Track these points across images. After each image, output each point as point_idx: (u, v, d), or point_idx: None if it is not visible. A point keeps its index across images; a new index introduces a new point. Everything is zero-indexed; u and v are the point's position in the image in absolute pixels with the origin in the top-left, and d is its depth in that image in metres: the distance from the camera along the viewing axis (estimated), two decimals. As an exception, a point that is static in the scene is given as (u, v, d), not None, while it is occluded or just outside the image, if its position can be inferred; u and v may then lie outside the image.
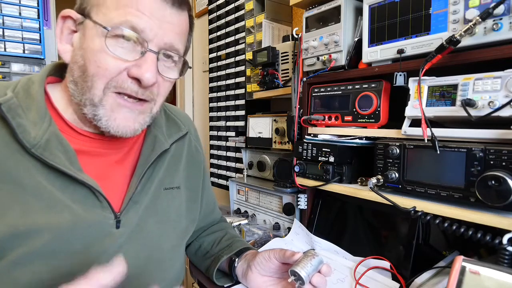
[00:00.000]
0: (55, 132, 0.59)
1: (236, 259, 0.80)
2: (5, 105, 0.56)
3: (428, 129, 0.70)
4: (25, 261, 0.55)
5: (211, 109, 1.88)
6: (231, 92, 1.70)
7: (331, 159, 0.94)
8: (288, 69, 1.27)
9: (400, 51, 0.78)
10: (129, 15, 0.57)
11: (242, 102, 1.62)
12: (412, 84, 0.77)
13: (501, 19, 0.63)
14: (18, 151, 0.56)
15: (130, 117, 0.62)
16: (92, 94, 0.58)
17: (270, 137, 1.35)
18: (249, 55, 1.52)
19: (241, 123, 1.62)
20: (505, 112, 0.62)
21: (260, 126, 1.41)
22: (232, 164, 1.72)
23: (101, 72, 0.57)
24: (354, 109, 0.92)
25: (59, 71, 0.68)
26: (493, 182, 0.60)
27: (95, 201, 0.62)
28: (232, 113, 1.69)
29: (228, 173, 1.76)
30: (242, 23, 1.61)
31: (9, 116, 0.56)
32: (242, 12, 1.61)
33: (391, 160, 0.79)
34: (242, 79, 1.62)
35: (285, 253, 0.72)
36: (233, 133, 1.70)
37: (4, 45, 1.79)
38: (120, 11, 0.57)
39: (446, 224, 0.68)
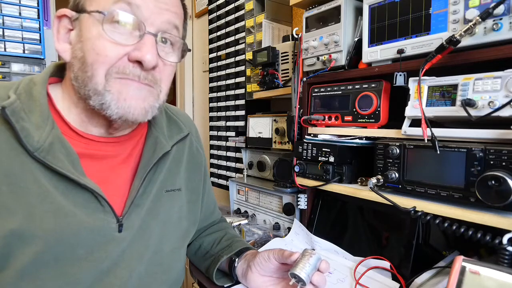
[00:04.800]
0: (58, 135, 0.59)
1: (236, 259, 0.80)
2: (9, 109, 0.55)
3: (428, 129, 0.70)
4: (30, 270, 0.55)
5: (211, 109, 1.88)
6: (231, 92, 1.70)
7: (331, 159, 0.94)
8: (288, 69, 1.27)
9: (400, 51, 0.78)
10: None
11: (242, 102, 1.62)
12: (412, 84, 0.77)
13: (501, 19, 0.63)
14: (23, 154, 0.56)
15: (140, 95, 0.60)
16: (94, 83, 0.58)
17: (270, 137, 1.35)
18: (249, 55, 1.52)
19: (241, 123, 1.62)
20: (505, 112, 0.62)
21: (260, 126, 1.41)
22: (232, 164, 1.72)
23: (101, 59, 0.57)
24: (354, 109, 0.92)
25: (60, 71, 0.67)
26: (493, 182, 0.60)
27: (98, 205, 0.61)
28: (232, 113, 1.69)
29: (228, 173, 1.76)
30: (242, 23, 1.61)
31: (13, 119, 0.55)
32: (242, 12, 1.61)
33: (391, 160, 0.79)
34: (242, 79, 1.62)
35: (284, 253, 0.72)
36: (233, 133, 1.70)
37: (4, 45, 1.79)
38: None
39: (446, 224, 0.68)
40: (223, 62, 1.76)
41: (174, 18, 0.63)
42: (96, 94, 0.58)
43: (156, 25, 0.60)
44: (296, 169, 1.05)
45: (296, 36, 1.10)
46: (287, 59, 1.28)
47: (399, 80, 0.78)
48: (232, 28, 1.68)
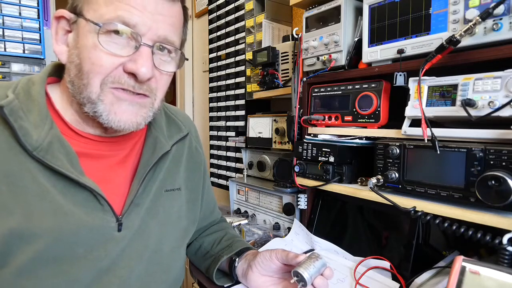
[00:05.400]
0: (56, 134, 0.59)
1: (237, 259, 0.80)
2: (7, 108, 0.55)
3: (428, 129, 0.70)
4: (29, 268, 0.55)
5: (211, 109, 1.88)
6: (231, 92, 1.70)
7: (331, 159, 0.94)
8: (288, 69, 1.27)
9: (400, 51, 0.78)
10: (120, 10, 0.56)
11: (242, 102, 1.62)
12: (412, 84, 0.77)
13: (501, 19, 0.63)
14: (21, 153, 0.56)
15: (132, 110, 0.61)
16: (89, 92, 0.58)
17: (270, 137, 1.35)
18: (249, 55, 1.52)
19: (241, 123, 1.62)
20: (505, 112, 0.62)
21: (260, 126, 1.41)
22: (232, 164, 1.72)
23: (96, 69, 0.57)
24: (354, 109, 0.92)
25: (59, 71, 0.68)
26: (493, 182, 0.60)
27: (97, 204, 0.61)
28: (232, 113, 1.69)
29: (228, 173, 1.76)
30: (242, 23, 1.61)
31: (11, 119, 0.55)
32: (242, 12, 1.61)
33: (391, 160, 0.79)
34: (242, 79, 1.62)
35: (288, 255, 0.72)
36: (233, 133, 1.70)
37: (4, 45, 1.79)
38: (111, 7, 0.56)
39: (446, 224, 0.68)
40: (223, 62, 1.76)
41: (172, 28, 0.62)
42: (90, 102, 0.58)
43: (153, 37, 0.59)
44: (296, 169, 1.05)
45: (296, 36, 1.10)
46: (287, 59, 1.28)
47: (399, 80, 0.78)
48: (232, 28, 1.68)
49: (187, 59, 0.70)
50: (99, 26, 0.56)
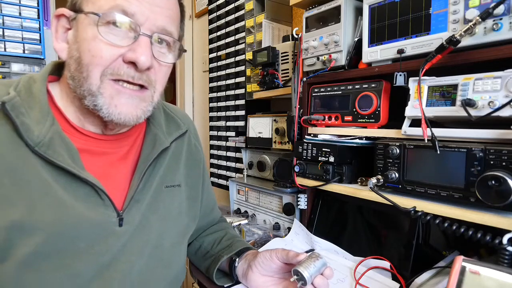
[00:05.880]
0: (58, 131, 0.60)
1: (237, 259, 0.80)
2: (9, 104, 0.56)
3: (428, 129, 0.70)
4: (31, 261, 0.55)
5: (211, 109, 1.88)
6: (231, 92, 1.70)
7: (331, 159, 0.94)
8: (288, 69, 1.28)
9: (400, 51, 0.78)
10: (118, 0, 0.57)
11: (242, 102, 1.62)
12: (412, 84, 0.77)
13: (501, 19, 0.63)
14: (24, 147, 0.57)
15: (132, 103, 0.61)
16: (89, 84, 0.58)
17: (270, 137, 1.35)
18: (249, 55, 1.53)
19: (241, 123, 1.62)
20: (505, 112, 0.62)
21: (260, 126, 1.41)
22: (232, 164, 1.72)
23: (96, 61, 0.58)
24: (354, 109, 0.92)
25: (59, 70, 0.68)
26: (493, 182, 0.60)
27: (98, 199, 0.62)
28: (232, 113, 1.69)
29: (228, 173, 1.76)
30: (242, 23, 1.61)
31: (13, 114, 0.56)
32: (242, 12, 1.61)
33: (391, 160, 0.79)
34: (242, 79, 1.62)
35: (289, 254, 0.72)
36: (233, 133, 1.70)
37: (4, 45, 1.79)
38: None
39: (446, 224, 0.68)
40: (223, 62, 1.76)
41: (169, 20, 0.63)
42: (90, 94, 0.59)
43: (151, 27, 0.60)
44: (296, 169, 1.05)
45: (296, 36, 1.10)
46: (287, 59, 1.28)
47: (399, 80, 0.78)
48: (232, 28, 1.68)
49: (185, 51, 0.70)
50: (98, 16, 0.57)
